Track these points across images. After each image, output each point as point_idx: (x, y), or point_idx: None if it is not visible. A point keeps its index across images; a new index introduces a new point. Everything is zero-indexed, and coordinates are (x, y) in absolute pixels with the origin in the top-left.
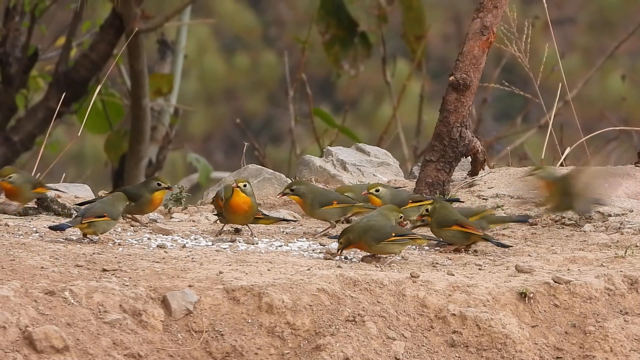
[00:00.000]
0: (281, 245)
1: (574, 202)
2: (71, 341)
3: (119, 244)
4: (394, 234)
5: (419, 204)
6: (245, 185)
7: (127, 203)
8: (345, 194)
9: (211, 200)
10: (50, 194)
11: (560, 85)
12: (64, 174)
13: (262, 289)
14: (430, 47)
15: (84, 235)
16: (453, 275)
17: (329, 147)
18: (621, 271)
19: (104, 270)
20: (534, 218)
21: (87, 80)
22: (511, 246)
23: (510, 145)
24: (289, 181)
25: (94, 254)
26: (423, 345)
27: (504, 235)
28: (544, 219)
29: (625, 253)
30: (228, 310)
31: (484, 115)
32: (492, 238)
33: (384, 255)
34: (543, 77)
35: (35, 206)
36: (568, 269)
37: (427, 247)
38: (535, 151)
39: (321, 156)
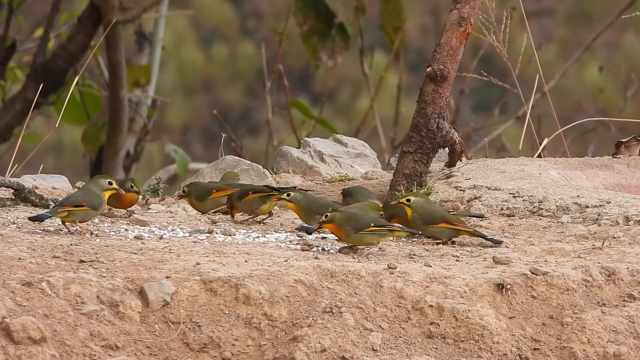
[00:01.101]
0: (258, 237)
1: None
2: (48, 332)
3: (96, 235)
4: (372, 224)
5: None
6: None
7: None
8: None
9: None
10: (27, 184)
11: (537, 76)
12: (41, 165)
13: (239, 280)
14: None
15: (63, 223)
16: (430, 266)
17: (306, 138)
18: (598, 262)
19: (82, 261)
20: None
21: (65, 72)
22: (502, 242)
23: (487, 136)
24: (267, 172)
25: (71, 245)
26: (400, 337)
27: (481, 226)
28: (521, 211)
29: (603, 244)
30: (205, 302)
31: (461, 106)
32: (483, 234)
33: (362, 247)
34: (521, 68)
35: (13, 197)
36: (545, 261)
37: (404, 239)
38: (513, 142)
39: (299, 147)
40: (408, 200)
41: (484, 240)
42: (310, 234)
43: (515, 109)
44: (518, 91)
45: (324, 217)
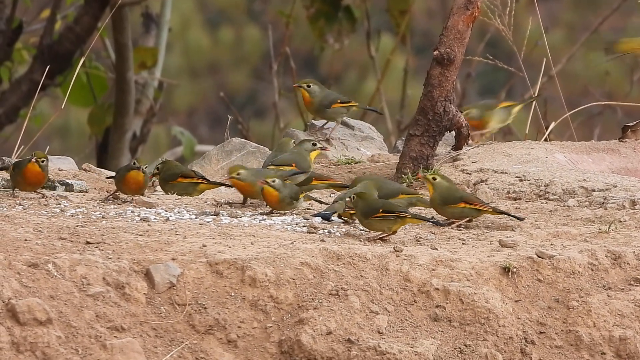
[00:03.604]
0: (264, 219)
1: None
2: (54, 314)
3: (103, 217)
4: (381, 210)
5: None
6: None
7: None
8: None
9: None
10: None
11: (544, 60)
12: (47, 147)
13: (245, 263)
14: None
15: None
16: (436, 249)
17: (313, 121)
18: (604, 246)
19: (88, 243)
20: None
21: (72, 53)
22: (525, 218)
23: None
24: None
25: (77, 226)
26: (406, 320)
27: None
28: (528, 194)
29: (609, 228)
30: (211, 284)
31: (468, 89)
32: (505, 211)
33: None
34: (527, 51)
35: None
36: (551, 244)
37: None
38: (520, 126)
39: (305, 130)
40: (434, 179)
41: (506, 219)
42: (328, 219)
43: (521, 92)
44: (524, 74)
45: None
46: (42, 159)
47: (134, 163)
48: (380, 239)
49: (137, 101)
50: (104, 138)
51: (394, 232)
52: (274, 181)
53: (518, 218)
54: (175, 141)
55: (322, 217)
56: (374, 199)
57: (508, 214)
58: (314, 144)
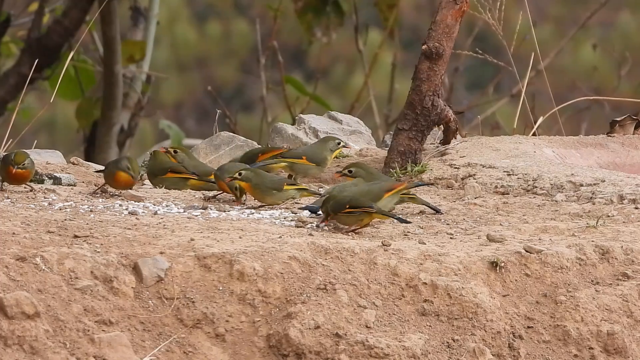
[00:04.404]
0: (253, 213)
1: None
2: (42, 307)
3: (91, 211)
4: (347, 206)
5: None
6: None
7: None
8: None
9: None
10: None
11: (532, 54)
12: (35, 141)
13: (233, 257)
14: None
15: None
16: (424, 244)
17: (301, 115)
18: (593, 241)
19: (76, 236)
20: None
21: (60, 47)
22: (410, 222)
23: (481, 114)
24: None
25: (65, 220)
26: (394, 314)
27: (475, 204)
28: (516, 189)
29: (597, 223)
30: (199, 278)
31: (456, 84)
32: (390, 214)
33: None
34: (515, 46)
35: None
36: (539, 239)
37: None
38: (507, 121)
39: (293, 124)
40: (350, 172)
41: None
42: (316, 212)
43: (509, 86)
44: (513, 69)
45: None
46: (21, 164)
47: (127, 168)
48: (353, 231)
49: (124, 95)
50: (91, 131)
51: (365, 226)
52: (240, 174)
53: (403, 221)
54: (162, 135)
55: (310, 211)
56: (342, 195)
57: (392, 217)
58: (339, 143)
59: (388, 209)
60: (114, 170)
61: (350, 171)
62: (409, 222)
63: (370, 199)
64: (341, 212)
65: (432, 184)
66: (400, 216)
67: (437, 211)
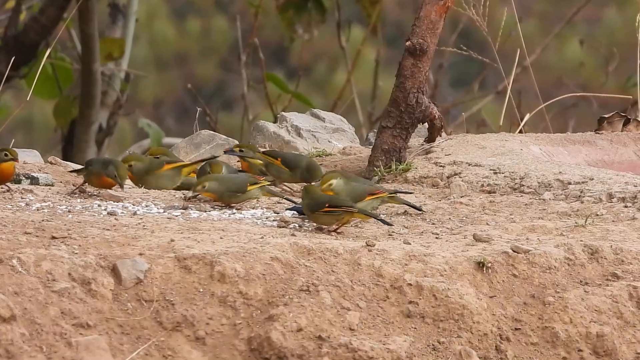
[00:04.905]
0: (234, 213)
1: None
2: (18, 310)
3: (69, 211)
4: (327, 205)
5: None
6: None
7: None
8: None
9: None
10: None
11: (518, 50)
12: (12, 140)
13: (214, 258)
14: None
15: None
16: (409, 244)
17: (283, 113)
18: (581, 241)
19: (53, 237)
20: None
21: (37, 44)
22: (392, 224)
23: (466, 111)
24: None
25: (42, 221)
26: (378, 316)
27: (461, 203)
28: (502, 187)
29: (586, 222)
30: (179, 279)
31: (440, 80)
32: (373, 215)
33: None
34: (501, 42)
35: None
36: (527, 238)
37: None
38: (493, 118)
39: (275, 122)
40: (330, 185)
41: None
42: (302, 213)
43: (494, 83)
44: (498, 65)
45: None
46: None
47: (115, 176)
48: (335, 230)
49: (103, 93)
50: (69, 130)
51: (345, 224)
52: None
53: (385, 223)
54: (142, 133)
55: (296, 211)
56: (320, 194)
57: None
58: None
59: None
60: (100, 173)
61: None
62: (391, 225)
63: (353, 198)
64: (320, 210)
65: (411, 192)
66: (384, 217)
67: (419, 210)
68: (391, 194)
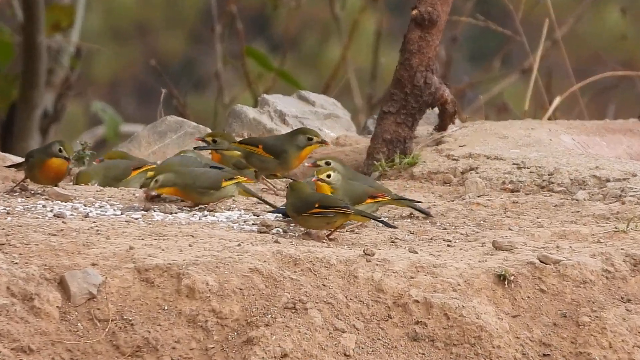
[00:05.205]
0: (205, 215)
1: None
2: None
3: (8, 213)
4: (317, 205)
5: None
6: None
7: None
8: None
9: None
10: None
11: (547, 21)
12: None
13: (181, 269)
14: None
15: None
16: (416, 253)
17: (264, 96)
18: (622, 249)
19: None
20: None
21: None
22: (396, 227)
23: (485, 94)
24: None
25: None
26: (379, 339)
27: (478, 204)
28: (528, 185)
29: (627, 227)
30: (140, 295)
31: (454, 57)
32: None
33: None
34: (525, 11)
35: None
36: (557, 246)
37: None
38: (517, 101)
39: (255, 106)
40: (327, 163)
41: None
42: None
43: (519, 60)
44: (522, 39)
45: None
46: None
47: (60, 150)
48: (327, 236)
49: (49, 71)
50: (8, 115)
51: (337, 229)
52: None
53: (389, 225)
54: (95, 119)
55: (281, 214)
56: (309, 192)
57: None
58: (310, 138)
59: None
60: (43, 159)
61: (327, 163)
62: (395, 227)
63: (350, 199)
64: (308, 212)
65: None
66: (385, 219)
67: (427, 214)
68: (395, 199)
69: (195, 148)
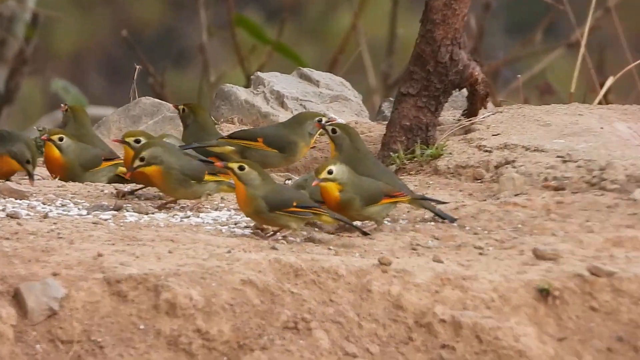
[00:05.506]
0: (188, 216)
1: None
2: None
3: None
4: (295, 204)
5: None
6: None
7: None
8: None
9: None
10: None
11: None
12: None
13: (160, 280)
14: None
15: None
16: (442, 262)
17: (259, 73)
18: None
19: None
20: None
21: None
22: (457, 219)
23: (525, 72)
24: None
25: None
26: None
27: (515, 204)
28: (575, 182)
29: None
30: (110, 311)
31: (486, 28)
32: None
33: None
34: None
35: None
36: (611, 256)
37: (387, 222)
38: (562, 81)
39: (247, 86)
40: (334, 131)
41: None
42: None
43: (564, 32)
44: (567, 7)
45: None
46: None
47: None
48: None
49: (0, 42)
50: None
51: (294, 230)
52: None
53: (450, 219)
54: (56, 100)
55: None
56: (285, 187)
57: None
58: (319, 120)
59: (382, 217)
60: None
61: (334, 130)
62: (369, 234)
63: (364, 198)
64: (285, 210)
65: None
66: (404, 222)
67: (450, 220)
68: (416, 198)
69: (181, 146)
